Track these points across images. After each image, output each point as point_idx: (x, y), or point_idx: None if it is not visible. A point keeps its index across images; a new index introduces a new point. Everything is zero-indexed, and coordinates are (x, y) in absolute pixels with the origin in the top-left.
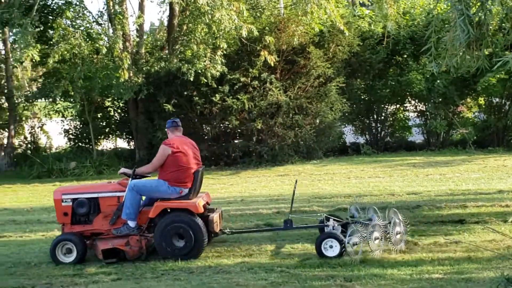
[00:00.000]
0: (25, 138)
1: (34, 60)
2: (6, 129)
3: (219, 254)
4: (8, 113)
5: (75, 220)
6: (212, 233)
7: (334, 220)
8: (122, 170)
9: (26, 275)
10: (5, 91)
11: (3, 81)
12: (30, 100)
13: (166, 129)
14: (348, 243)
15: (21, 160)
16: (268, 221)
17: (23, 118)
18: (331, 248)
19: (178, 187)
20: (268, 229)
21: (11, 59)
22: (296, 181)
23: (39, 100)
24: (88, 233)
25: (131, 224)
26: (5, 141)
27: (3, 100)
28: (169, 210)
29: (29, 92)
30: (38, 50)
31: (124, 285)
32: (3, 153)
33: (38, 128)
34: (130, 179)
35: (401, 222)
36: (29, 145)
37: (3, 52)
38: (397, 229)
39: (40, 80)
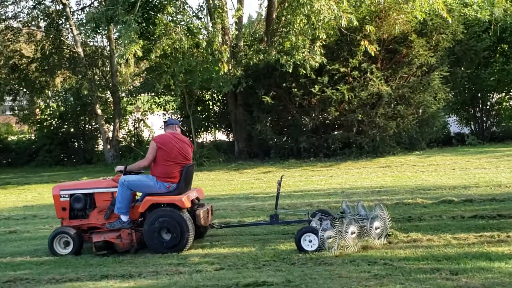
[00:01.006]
0: (129, 131)
1: (137, 56)
2: (112, 123)
3: None
4: (113, 108)
5: (73, 215)
6: (201, 227)
7: (322, 215)
8: (118, 167)
9: (133, 264)
10: (110, 86)
11: (108, 76)
12: (133, 95)
13: (165, 126)
14: (321, 237)
15: (125, 153)
16: None
17: (127, 112)
18: (311, 243)
19: (165, 182)
20: (254, 223)
21: (116, 55)
22: (281, 177)
23: (142, 94)
24: (85, 227)
25: (124, 218)
26: (111, 134)
27: (108, 95)
28: (162, 205)
29: (132, 87)
30: (141, 46)
31: (227, 274)
32: (109, 146)
33: (141, 121)
34: (122, 174)
35: (383, 217)
36: (132, 138)
37: (108, 48)
38: (376, 224)
39: (143, 75)
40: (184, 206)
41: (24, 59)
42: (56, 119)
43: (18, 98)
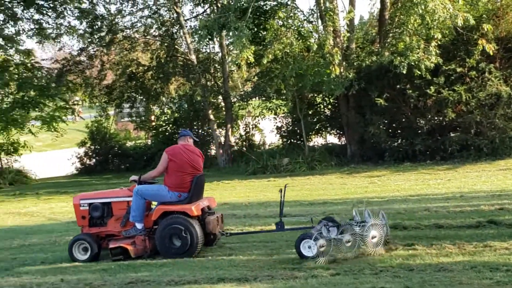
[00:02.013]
0: (241, 136)
1: (249, 62)
2: (224, 128)
3: (439, 251)
4: (225, 113)
5: (92, 223)
6: (211, 234)
7: (328, 223)
8: (132, 177)
9: (249, 267)
10: (222, 91)
11: (220, 82)
12: (245, 100)
13: (179, 137)
14: (314, 244)
15: (237, 157)
16: (490, 217)
17: (239, 117)
18: (309, 249)
19: (177, 191)
20: (261, 231)
21: (228, 61)
22: (286, 186)
23: (253, 99)
24: (103, 234)
25: (138, 226)
26: (223, 139)
27: (220, 100)
28: (175, 213)
29: (243, 92)
30: (252, 52)
31: (343, 280)
32: (221, 151)
33: (252, 126)
34: (136, 184)
35: (382, 226)
36: (244, 143)
37: (219, 54)
38: (373, 233)
39: (254, 79)
40: (193, 214)
41: (141, 68)
42: (170, 125)
43: (135, 105)
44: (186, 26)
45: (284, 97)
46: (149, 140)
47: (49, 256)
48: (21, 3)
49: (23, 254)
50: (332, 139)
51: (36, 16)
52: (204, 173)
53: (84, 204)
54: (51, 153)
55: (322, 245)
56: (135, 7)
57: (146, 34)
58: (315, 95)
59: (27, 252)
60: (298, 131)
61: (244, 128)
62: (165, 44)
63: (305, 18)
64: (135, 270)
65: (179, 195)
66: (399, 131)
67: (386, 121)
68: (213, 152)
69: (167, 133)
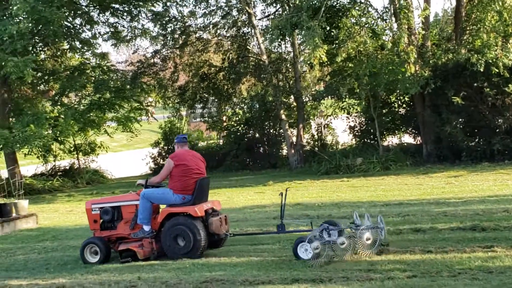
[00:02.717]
0: (313, 135)
1: (321, 61)
2: (295, 128)
3: None
4: (296, 112)
5: (103, 227)
6: (214, 235)
7: (329, 226)
8: (139, 181)
9: (323, 268)
10: (294, 91)
11: (292, 82)
12: (317, 99)
13: (174, 144)
14: (308, 247)
15: (309, 157)
16: None
17: (311, 117)
18: (306, 251)
19: (181, 194)
20: (263, 232)
21: (300, 61)
22: (287, 190)
23: (325, 98)
24: (114, 237)
25: (146, 228)
26: (295, 139)
27: (292, 100)
28: (184, 214)
29: (316, 91)
30: (325, 51)
31: (420, 282)
32: (293, 151)
33: (324, 125)
34: (143, 188)
35: (377, 229)
36: (316, 142)
37: (291, 54)
38: (367, 235)
39: (326, 79)
40: (196, 215)
41: (213, 69)
42: (242, 125)
43: (207, 105)
44: (258, 26)
45: (357, 96)
46: (221, 140)
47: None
48: (97, 7)
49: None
50: (407, 138)
51: (112, 20)
52: (208, 177)
53: (96, 209)
54: (126, 153)
55: (316, 247)
56: (207, 9)
57: (218, 35)
58: (390, 94)
59: None
60: (371, 130)
61: (316, 128)
62: (237, 44)
63: (378, 16)
64: (209, 269)
65: (183, 197)
66: (476, 130)
67: (463, 120)
68: (284, 152)
69: (238, 133)
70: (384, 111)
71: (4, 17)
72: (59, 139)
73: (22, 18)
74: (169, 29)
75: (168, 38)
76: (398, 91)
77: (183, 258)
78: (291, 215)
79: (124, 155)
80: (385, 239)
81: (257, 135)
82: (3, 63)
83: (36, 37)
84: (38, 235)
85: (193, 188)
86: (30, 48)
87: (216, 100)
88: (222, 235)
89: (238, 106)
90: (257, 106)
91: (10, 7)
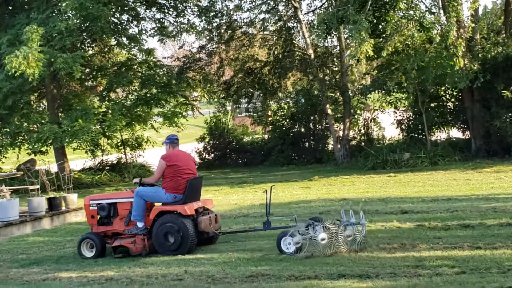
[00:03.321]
0: (359, 130)
1: (368, 55)
2: (341, 122)
3: None
4: (343, 107)
5: (101, 222)
6: (204, 233)
7: (314, 222)
8: (135, 180)
9: (370, 264)
10: (340, 85)
11: (338, 76)
12: (364, 93)
13: (165, 143)
14: (289, 242)
15: (355, 152)
16: None
17: (357, 111)
18: (290, 245)
19: (172, 193)
20: (249, 230)
21: (346, 55)
22: (271, 188)
23: (372, 92)
24: (110, 232)
25: (139, 225)
26: (341, 133)
27: (338, 94)
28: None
29: (362, 86)
30: (372, 45)
31: (469, 279)
32: (339, 145)
33: (371, 120)
34: (138, 186)
35: (357, 225)
36: (363, 137)
37: (338, 48)
38: (348, 232)
39: (373, 73)
40: (186, 214)
41: (258, 63)
42: (287, 120)
43: (252, 100)
44: (304, 21)
45: (405, 90)
46: (266, 135)
47: None
48: (144, 3)
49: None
50: (456, 133)
51: (158, 15)
52: (200, 176)
53: (93, 205)
54: None
55: (297, 241)
56: (253, 3)
57: (263, 30)
58: (438, 88)
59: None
60: (419, 125)
61: (363, 122)
62: (283, 39)
63: (426, 9)
64: (255, 264)
65: (174, 196)
66: None
67: None
68: (330, 147)
69: (284, 128)
70: (432, 105)
71: (53, 14)
72: (106, 134)
73: (70, 15)
74: (214, 24)
75: (214, 33)
76: (446, 85)
77: (171, 255)
78: (337, 210)
79: None
80: (364, 237)
81: (302, 129)
82: (52, 59)
83: (84, 34)
84: (87, 228)
85: (184, 188)
86: (79, 44)
87: (261, 94)
88: (212, 233)
89: (284, 101)
90: (303, 101)
91: (59, 4)
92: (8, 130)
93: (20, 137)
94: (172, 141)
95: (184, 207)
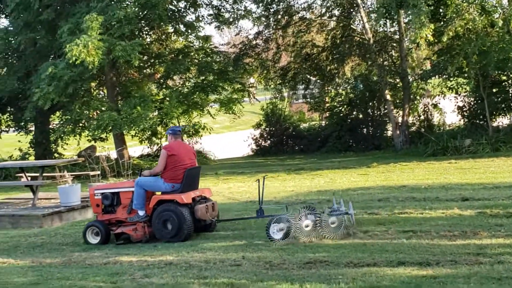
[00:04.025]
0: (419, 116)
1: (428, 40)
2: (401, 108)
3: None
4: (402, 93)
5: (105, 211)
6: (201, 220)
7: (306, 210)
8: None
9: (429, 251)
10: (399, 71)
11: (397, 61)
12: (424, 79)
13: (168, 133)
14: (271, 229)
15: (415, 138)
16: None
17: (417, 97)
18: (277, 232)
19: (171, 183)
20: (243, 218)
21: (405, 40)
22: (264, 177)
23: (432, 77)
24: (114, 220)
25: (140, 213)
26: (400, 119)
27: (397, 80)
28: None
29: (422, 71)
30: (432, 29)
31: None
32: (398, 132)
33: (431, 105)
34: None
35: (342, 214)
36: (422, 123)
37: (397, 33)
38: (332, 219)
39: (434, 58)
40: (183, 202)
41: (316, 49)
42: (345, 106)
43: (309, 86)
44: (363, 5)
45: (466, 75)
46: (323, 122)
47: (229, 234)
48: None
49: (206, 232)
50: None
51: (215, 2)
52: (198, 166)
53: (98, 194)
54: (228, 134)
55: (281, 228)
56: None
57: (321, 15)
58: (500, 72)
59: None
60: (481, 111)
61: (423, 108)
62: (341, 24)
63: None
64: (313, 250)
65: (172, 186)
66: None
67: None
68: (389, 133)
69: (341, 114)
70: (494, 90)
71: (112, 2)
72: (164, 121)
73: (129, 3)
74: (271, 10)
75: (271, 19)
76: (509, 70)
77: (169, 241)
78: (396, 197)
79: (227, 137)
80: (353, 225)
81: (360, 115)
82: (111, 47)
83: (142, 21)
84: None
85: (182, 178)
86: (137, 32)
87: (318, 80)
88: (208, 220)
89: (341, 87)
90: (361, 86)
91: None
92: (69, 117)
93: (80, 124)
94: (175, 132)
95: (181, 196)
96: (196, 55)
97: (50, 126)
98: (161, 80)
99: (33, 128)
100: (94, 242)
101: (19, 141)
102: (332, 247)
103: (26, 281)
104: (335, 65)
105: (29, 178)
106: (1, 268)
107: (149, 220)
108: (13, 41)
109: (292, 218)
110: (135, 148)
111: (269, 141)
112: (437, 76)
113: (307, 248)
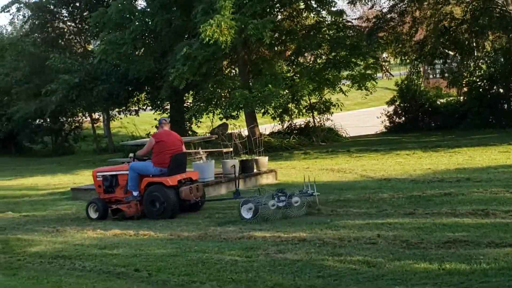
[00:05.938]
0: None
1: None
2: None
3: None
4: None
5: (106, 191)
6: (185, 200)
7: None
8: (130, 154)
9: None
10: None
11: None
12: None
13: (158, 124)
14: (242, 209)
15: None
16: None
17: None
18: (249, 211)
19: (159, 167)
20: (222, 198)
21: None
22: (234, 166)
23: None
24: (113, 199)
25: (134, 193)
26: None
27: None
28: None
29: None
30: None
31: None
32: None
33: None
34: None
35: (304, 194)
36: None
37: None
38: (295, 199)
39: None
40: (168, 184)
41: (454, 22)
42: (485, 81)
43: (447, 61)
44: None
45: None
46: (461, 97)
47: (363, 212)
48: None
49: (339, 209)
50: None
51: None
52: (184, 152)
53: (99, 176)
54: (360, 111)
55: (250, 207)
56: None
57: None
58: None
59: (342, 206)
60: None
61: None
62: None
63: None
64: (452, 229)
65: (160, 170)
66: None
67: None
68: None
69: (480, 90)
70: None
71: None
72: (295, 98)
73: None
74: None
75: None
76: None
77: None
78: None
79: (359, 113)
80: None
81: (501, 90)
82: (243, 26)
83: None
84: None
85: (168, 162)
86: (268, 9)
87: (457, 55)
88: (193, 201)
89: (481, 61)
90: (502, 60)
91: None
92: (203, 96)
93: (213, 102)
94: (161, 122)
95: (167, 179)
96: (328, 31)
97: (185, 105)
98: (292, 57)
99: (168, 107)
100: (94, 216)
101: (155, 119)
102: (472, 226)
103: (165, 253)
104: (475, 38)
105: None
106: (142, 240)
107: (141, 199)
108: (150, 23)
109: (259, 198)
110: (266, 126)
111: (403, 118)
112: None
113: (445, 227)
